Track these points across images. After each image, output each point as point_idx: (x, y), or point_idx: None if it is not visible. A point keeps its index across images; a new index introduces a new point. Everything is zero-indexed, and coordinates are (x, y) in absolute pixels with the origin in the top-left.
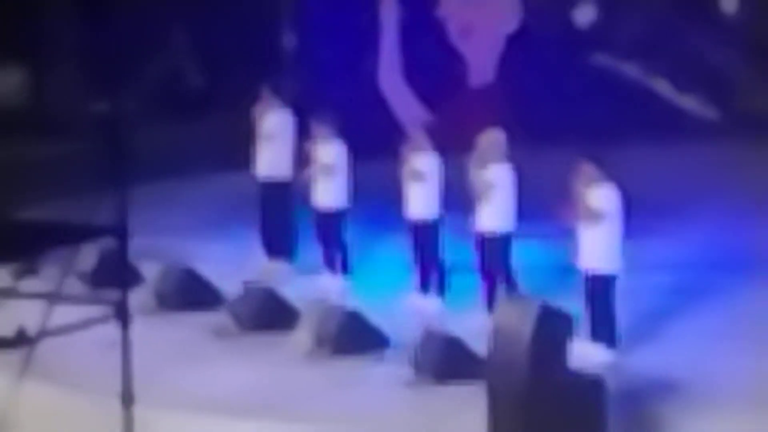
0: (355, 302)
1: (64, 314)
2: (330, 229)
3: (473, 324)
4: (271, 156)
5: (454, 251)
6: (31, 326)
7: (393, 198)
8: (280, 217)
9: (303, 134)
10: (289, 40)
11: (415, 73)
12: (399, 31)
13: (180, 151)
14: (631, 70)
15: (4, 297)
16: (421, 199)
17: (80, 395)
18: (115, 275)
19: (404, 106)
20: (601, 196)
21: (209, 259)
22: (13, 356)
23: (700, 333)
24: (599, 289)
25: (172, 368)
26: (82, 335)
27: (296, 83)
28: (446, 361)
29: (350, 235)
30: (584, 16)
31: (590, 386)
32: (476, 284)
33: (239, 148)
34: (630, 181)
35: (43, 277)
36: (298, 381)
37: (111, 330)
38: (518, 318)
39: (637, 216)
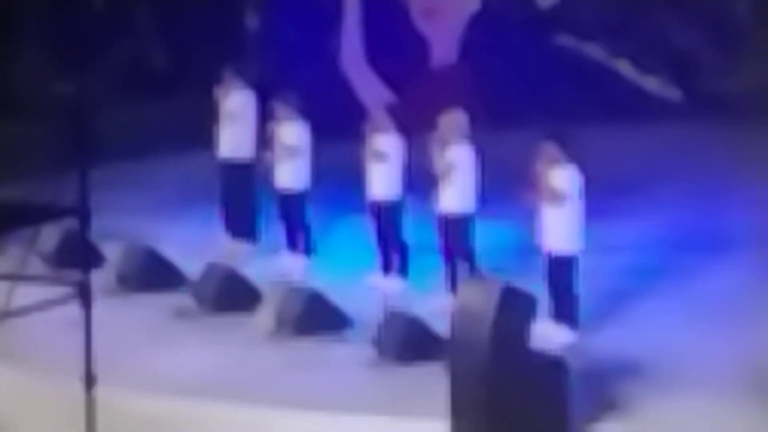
0: (317, 283)
1: (26, 294)
2: (292, 209)
3: (435, 304)
4: (234, 136)
5: (416, 232)
6: None
7: (355, 179)
8: (242, 198)
9: (265, 115)
10: (251, 21)
11: (378, 53)
12: (361, 12)
13: (142, 131)
14: (594, 50)
15: None
16: (383, 180)
17: (42, 376)
18: (77, 256)
19: (367, 87)
20: (563, 177)
21: (171, 240)
22: None
23: (661, 313)
24: (561, 270)
25: (134, 349)
26: (44, 316)
27: (259, 64)
28: (408, 341)
29: (312, 215)
30: None
31: (552, 367)
32: (438, 265)
33: (202, 128)
34: (592, 161)
35: (5, 257)
36: (260, 362)
37: (73, 310)
38: (480, 298)
39: (598, 196)
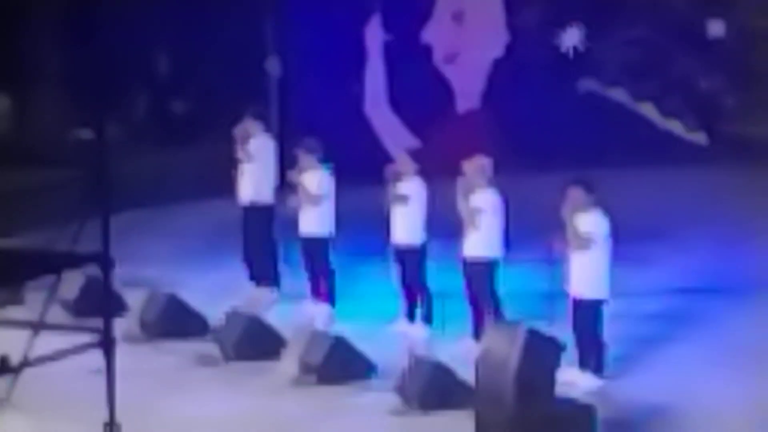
0: (341, 329)
1: (48, 343)
2: (316, 255)
3: (460, 351)
4: (253, 181)
5: (440, 277)
6: (15, 355)
7: (379, 224)
8: (263, 242)
9: (289, 161)
10: (274, 67)
11: (401, 99)
12: (385, 57)
13: (164, 178)
14: (618, 94)
15: None
16: (406, 225)
17: (65, 424)
18: (99, 303)
19: (390, 132)
20: (590, 222)
21: (194, 287)
22: None
23: (688, 360)
24: (587, 316)
25: (157, 396)
26: (67, 364)
27: (282, 110)
28: (433, 388)
29: (336, 261)
30: (571, 40)
31: (578, 414)
32: (463, 311)
33: (224, 175)
34: (618, 206)
35: (27, 305)
36: (284, 409)
37: (95, 358)
38: (506, 345)
39: (625, 241)
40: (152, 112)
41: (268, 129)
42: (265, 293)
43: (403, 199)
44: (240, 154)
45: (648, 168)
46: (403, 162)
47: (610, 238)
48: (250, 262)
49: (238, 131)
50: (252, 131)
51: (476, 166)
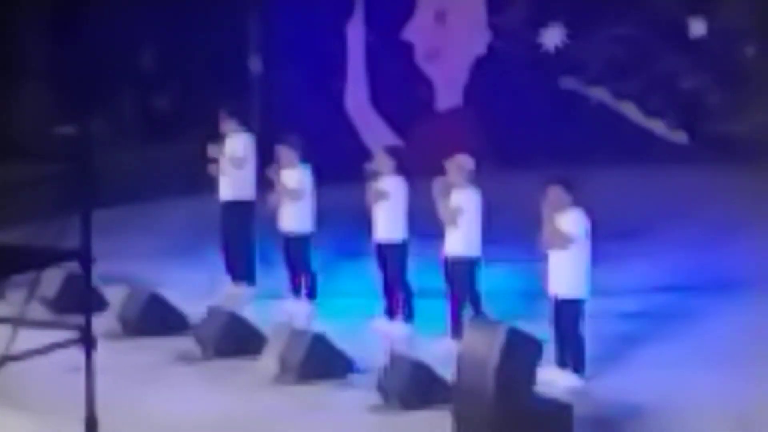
0: (321, 327)
1: (28, 339)
2: (296, 253)
3: (440, 349)
4: (233, 178)
5: (420, 276)
6: None
7: (359, 222)
8: (242, 240)
9: (269, 158)
10: (255, 64)
11: (382, 96)
12: (366, 54)
13: (145, 175)
14: (599, 93)
15: None
16: (386, 222)
17: (44, 420)
18: (79, 300)
19: (371, 130)
20: (569, 221)
21: (174, 284)
22: None
23: (667, 358)
24: (567, 314)
25: (137, 393)
26: (46, 360)
27: (262, 107)
28: (413, 386)
29: (316, 259)
30: (552, 39)
31: (558, 412)
32: (443, 309)
33: (204, 172)
34: (597, 205)
35: (7, 301)
36: (263, 406)
37: (75, 355)
38: (485, 343)
39: (605, 240)
40: (135, 109)
41: (244, 125)
42: (244, 290)
43: (383, 194)
44: (217, 152)
45: (629, 167)
46: (382, 159)
47: (589, 236)
48: (228, 259)
49: (220, 128)
50: (227, 128)
51: (457, 164)
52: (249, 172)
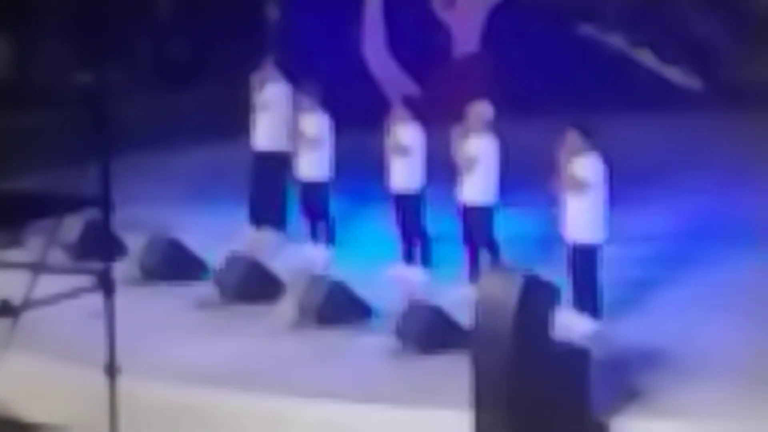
0: (339, 273)
1: (49, 285)
2: (314, 200)
3: (458, 295)
4: (268, 128)
5: (438, 222)
6: (16, 297)
7: (377, 170)
8: (273, 189)
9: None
10: (272, 12)
11: (399, 44)
12: (383, 3)
13: (164, 121)
14: (615, 40)
15: None
16: (404, 171)
17: (65, 366)
18: (99, 246)
19: (389, 78)
20: (586, 166)
21: (194, 230)
22: None
23: (684, 303)
24: (583, 259)
25: (157, 339)
26: (67, 306)
27: (282, 54)
28: (430, 331)
29: (334, 206)
30: None
31: (575, 356)
32: (460, 255)
33: (224, 118)
34: (613, 151)
35: (28, 247)
36: (282, 352)
37: (95, 301)
38: (502, 288)
39: (621, 186)
40: (153, 55)
41: (287, 75)
42: (266, 236)
43: (402, 147)
44: (255, 100)
45: (644, 113)
46: (400, 110)
47: (606, 182)
48: (256, 206)
49: (256, 77)
50: (270, 77)
51: (477, 111)
52: (283, 121)
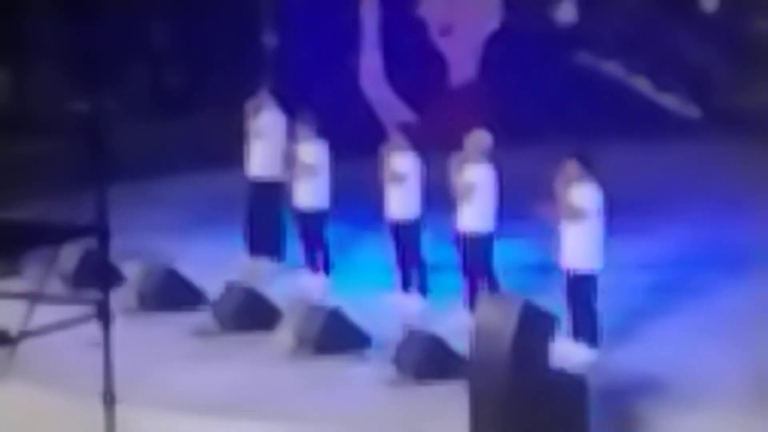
0: (336, 301)
1: (46, 314)
2: (312, 228)
3: (455, 323)
4: (262, 155)
5: (435, 250)
6: (13, 326)
7: (375, 197)
8: (269, 217)
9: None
10: (270, 40)
11: (397, 72)
12: (380, 31)
13: (161, 150)
14: (612, 68)
15: None
16: (401, 199)
17: (62, 395)
18: (96, 275)
19: (386, 106)
20: (584, 195)
21: (191, 259)
22: None
23: (681, 331)
24: (581, 288)
25: (154, 368)
26: (64, 335)
27: (277, 83)
28: (428, 360)
29: (332, 234)
30: (565, 14)
31: (572, 385)
32: (458, 283)
33: (221, 147)
34: (610, 179)
35: (25, 277)
36: (279, 380)
37: (93, 330)
38: (500, 317)
39: (618, 214)
40: (149, 84)
41: (281, 105)
42: (262, 265)
43: (399, 175)
44: (250, 128)
45: (641, 141)
46: (397, 138)
47: (603, 210)
48: (252, 235)
49: (250, 105)
50: (265, 105)
51: (476, 140)
52: (277, 149)
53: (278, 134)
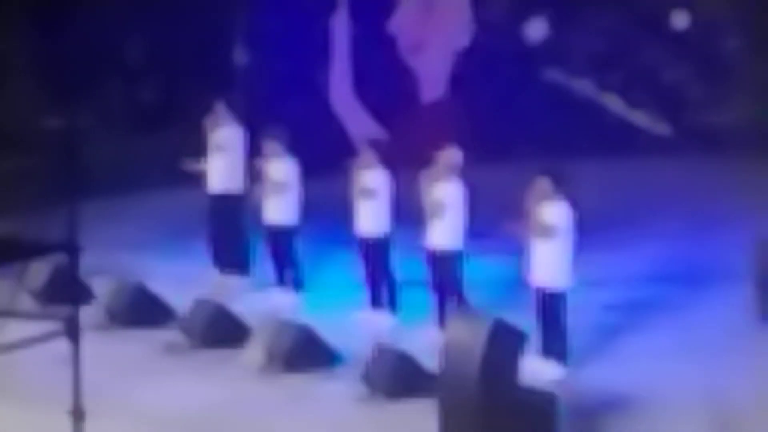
0: (306, 318)
1: (15, 330)
2: (281, 245)
3: (425, 340)
4: (222, 169)
5: (405, 267)
6: None
7: (344, 214)
8: (231, 231)
9: (254, 150)
10: (240, 56)
11: (367, 88)
12: (350, 47)
13: (131, 166)
14: (582, 85)
15: None
16: (370, 216)
17: (31, 411)
18: (66, 291)
19: (356, 122)
20: (554, 212)
21: (161, 275)
22: None
23: (651, 348)
24: (551, 305)
25: (123, 384)
26: (33, 351)
27: (247, 99)
28: (398, 377)
29: (302, 251)
30: (536, 32)
31: (542, 402)
32: (428, 300)
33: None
34: (582, 196)
35: None
36: (249, 397)
37: (62, 346)
38: (470, 334)
39: (588, 231)
40: (121, 101)
41: (238, 118)
42: (231, 281)
43: (368, 191)
44: (209, 143)
45: (612, 158)
46: (367, 154)
47: (574, 227)
48: (216, 250)
49: (208, 120)
50: (222, 120)
51: (446, 157)
52: (237, 163)
53: (237, 148)
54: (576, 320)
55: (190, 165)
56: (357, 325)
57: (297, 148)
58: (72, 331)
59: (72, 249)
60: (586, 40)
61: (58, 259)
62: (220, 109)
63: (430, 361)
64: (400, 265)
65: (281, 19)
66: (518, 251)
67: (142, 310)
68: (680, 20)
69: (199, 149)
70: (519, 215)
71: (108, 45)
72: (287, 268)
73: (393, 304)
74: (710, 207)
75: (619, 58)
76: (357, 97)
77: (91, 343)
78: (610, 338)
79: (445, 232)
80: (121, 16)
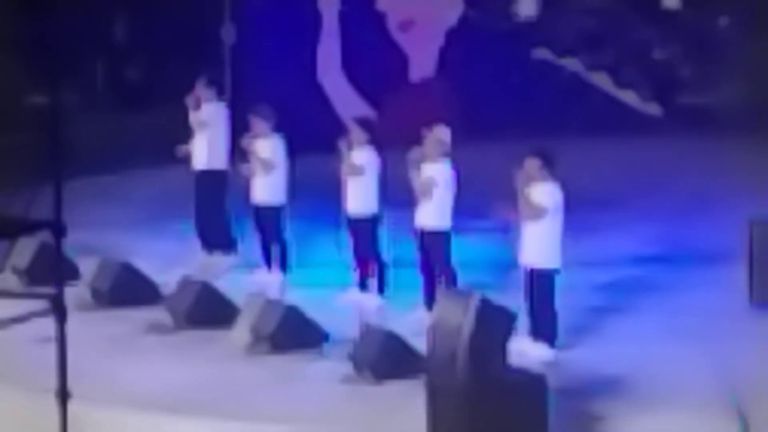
0: (293, 298)
1: (0, 309)
2: (268, 224)
3: (413, 320)
4: (205, 146)
5: (393, 247)
6: None
7: (332, 193)
8: (215, 208)
9: (242, 129)
10: (228, 34)
11: (355, 66)
12: (339, 25)
13: (118, 144)
14: (572, 64)
15: None
16: (359, 195)
17: (15, 390)
18: (51, 270)
19: (343, 101)
20: (544, 192)
21: (146, 254)
22: None
23: (641, 330)
24: (540, 285)
25: (109, 364)
26: (18, 330)
27: (235, 76)
28: (385, 357)
29: (289, 230)
30: (526, 10)
31: (531, 383)
32: (416, 280)
33: (177, 141)
34: (570, 176)
35: None
36: (235, 377)
37: (47, 325)
38: (458, 314)
39: (578, 211)
40: (107, 79)
41: (220, 95)
42: (218, 260)
43: (357, 169)
44: (192, 121)
45: (601, 137)
46: (355, 132)
47: (562, 208)
48: (202, 228)
49: (189, 99)
50: (204, 98)
51: (435, 136)
52: (221, 140)
53: (219, 124)
54: (565, 301)
55: (182, 150)
56: (344, 305)
57: (284, 126)
58: (57, 310)
59: (57, 227)
60: (576, 18)
61: (44, 237)
62: (201, 86)
63: (418, 341)
64: (388, 244)
65: None
66: (507, 231)
67: (128, 289)
68: None
69: (186, 128)
70: (508, 195)
71: (93, 23)
72: (274, 247)
73: (381, 284)
74: (701, 187)
75: (610, 36)
76: (345, 75)
77: (76, 322)
78: (599, 319)
79: (433, 211)
80: None
